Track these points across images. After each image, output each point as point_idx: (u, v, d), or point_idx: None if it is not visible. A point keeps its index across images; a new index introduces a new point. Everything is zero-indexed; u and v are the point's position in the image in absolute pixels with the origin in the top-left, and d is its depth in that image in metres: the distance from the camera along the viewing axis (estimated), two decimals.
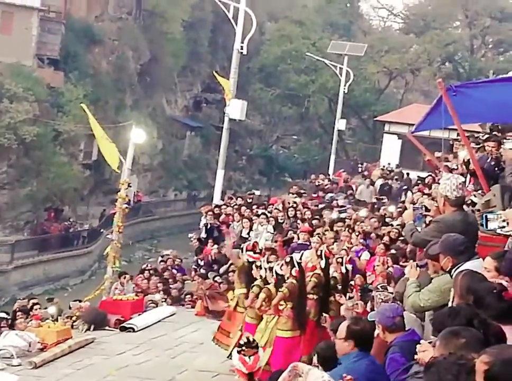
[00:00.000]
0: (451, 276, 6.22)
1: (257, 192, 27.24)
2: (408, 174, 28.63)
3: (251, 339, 6.46)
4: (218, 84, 27.93)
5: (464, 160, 13.16)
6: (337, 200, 23.11)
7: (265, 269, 11.26)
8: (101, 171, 43.82)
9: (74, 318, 14.94)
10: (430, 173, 21.73)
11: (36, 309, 15.98)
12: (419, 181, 22.49)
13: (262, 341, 10.45)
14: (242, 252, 13.13)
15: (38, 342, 12.81)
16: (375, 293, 9.36)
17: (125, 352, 13.09)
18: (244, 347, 6.29)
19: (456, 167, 15.33)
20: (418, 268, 7.08)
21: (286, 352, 10.24)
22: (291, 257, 10.93)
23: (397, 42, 62.56)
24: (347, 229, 15.14)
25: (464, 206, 7.41)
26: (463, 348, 4.13)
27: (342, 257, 12.79)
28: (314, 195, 24.94)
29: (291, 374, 3.70)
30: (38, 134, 39.05)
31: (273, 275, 10.96)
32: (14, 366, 11.82)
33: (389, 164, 34.34)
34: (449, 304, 5.68)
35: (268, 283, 10.97)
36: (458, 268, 6.15)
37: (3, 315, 15.48)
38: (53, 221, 42.60)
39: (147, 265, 20.51)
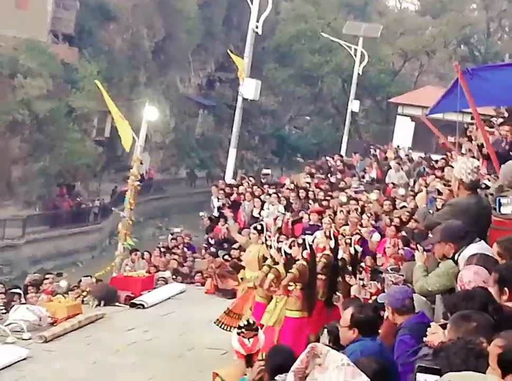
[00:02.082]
0: (455, 262, 6.22)
1: (265, 171, 27.09)
2: (426, 154, 28.42)
3: (251, 322, 6.45)
4: (232, 63, 27.81)
5: (478, 143, 13.08)
6: (344, 181, 22.92)
7: (275, 248, 11.24)
8: (114, 148, 43.83)
9: (84, 293, 15.00)
10: (443, 156, 21.60)
11: (46, 284, 16.07)
12: (431, 164, 22.36)
13: (270, 320, 10.47)
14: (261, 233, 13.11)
15: (49, 317, 12.87)
16: (385, 275, 9.35)
17: (134, 328, 13.14)
18: (243, 329, 6.28)
19: (469, 150, 15.24)
20: (425, 252, 7.05)
21: (295, 332, 10.26)
22: (303, 240, 10.92)
23: (413, 23, 62.06)
24: (357, 211, 15.10)
25: (478, 190, 7.36)
26: (473, 333, 4.11)
27: (351, 239, 12.78)
28: (325, 176, 24.84)
29: (309, 355, 3.67)
30: (52, 110, 39.12)
31: (282, 256, 10.95)
32: (25, 340, 11.90)
33: (398, 146, 34.13)
34: (457, 288, 5.67)
35: (277, 264, 10.97)
36: (461, 252, 6.16)
37: (15, 289, 15.58)
38: (65, 197, 42.75)
39: (160, 243, 20.58)
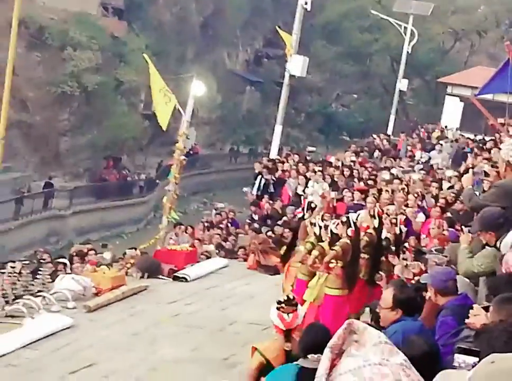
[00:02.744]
0: (498, 249, 6.15)
1: (311, 148, 26.98)
2: (475, 135, 28.10)
3: (291, 297, 6.48)
4: (280, 39, 27.65)
5: None
6: (390, 160, 22.74)
7: (320, 226, 11.23)
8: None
9: (128, 265, 15.16)
10: (491, 138, 21.31)
11: (91, 255, 16.29)
12: (479, 145, 22.07)
13: (311, 297, 10.49)
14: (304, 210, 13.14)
15: (93, 287, 13.05)
16: (429, 255, 9.30)
17: (177, 301, 13.26)
18: (283, 305, 6.31)
19: None
20: (470, 234, 6.98)
21: (334, 309, 10.26)
22: (348, 217, 10.89)
23: (464, 2, 61.00)
24: (402, 190, 15.00)
25: None
26: None
27: (396, 218, 12.71)
28: (370, 155, 24.69)
29: (345, 331, 3.67)
30: (100, 83, 39.45)
31: (327, 234, 10.94)
32: (69, 309, 12.09)
33: (446, 126, 33.74)
34: (498, 271, 5.61)
35: (322, 241, 10.96)
36: (502, 239, 6.08)
37: (62, 259, 15.81)
38: (111, 169, 43.21)
39: (204, 218, 20.68)
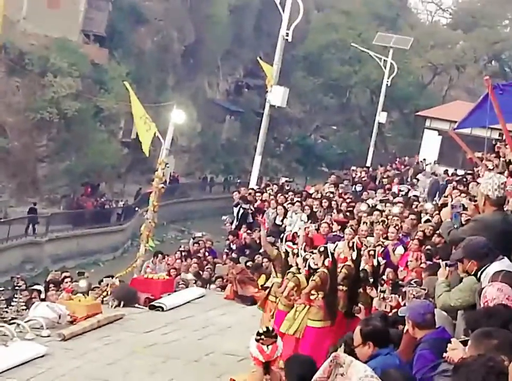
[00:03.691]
0: (478, 279, 6.18)
1: (285, 179, 27.07)
2: (456, 170, 28.37)
3: (270, 329, 6.46)
4: (261, 70, 27.82)
5: (506, 159, 12.99)
6: (367, 192, 22.87)
7: (302, 257, 11.25)
8: (140, 149, 43.93)
9: (104, 293, 15.05)
10: (469, 171, 21.50)
11: (67, 282, 16.15)
12: (457, 179, 22.24)
13: (291, 329, 10.45)
14: (281, 241, 13.15)
15: (68, 315, 12.92)
16: (407, 288, 9.29)
17: (153, 330, 13.16)
18: (262, 336, 6.28)
19: (496, 166, 15.13)
20: (447, 268, 7.01)
21: (316, 342, 10.23)
22: (325, 248, 10.90)
23: (444, 37, 61.88)
24: (382, 223, 15.03)
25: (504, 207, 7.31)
26: (494, 350, 4.08)
27: (375, 250, 12.72)
28: (349, 187, 24.83)
29: (331, 364, 3.66)
30: (80, 110, 39.42)
31: (305, 267, 10.96)
32: (43, 337, 11.96)
33: (424, 159, 34.02)
34: (477, 305, 5.63)
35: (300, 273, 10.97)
36: (484, 269, 6.11)
37: (37, 286, 15.66)
38: (89, 196, 43.02)
39: (181, 247, 20.64)
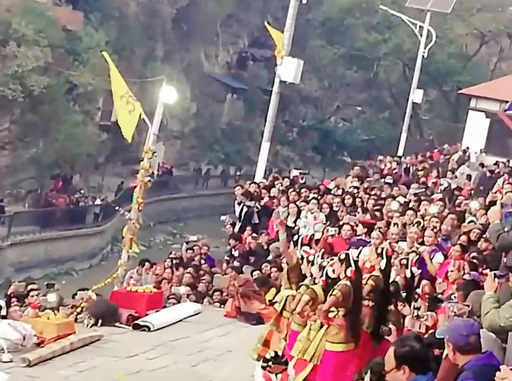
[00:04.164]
0: None
1: (296, 172, 26.99)
2: (509, 161, 28.32)
3: (279, 354, 6.45)
4: (269, 38, 27.83)
5: None
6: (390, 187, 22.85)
7: (318, 265, 11.25)
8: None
9: (79, 310, 15.08)
10: None
11: (33, 296, 16.17)
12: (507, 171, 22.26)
13: (306, 354, 10.43)
14: (294, 246, 13.17)
15: (35, 335, 12.95)
16: (447, 304, 9.30)
17: (138, 354, 13.18)
18: (270, 363, 6.28)
19: None
20: (496, 279, 7.00)
21: (337, 369, 10.22)
22: (347, 254, 10.89)
23: None
24: (416, 224, 15.03)
25: None
26: None
27: (407, 258, 12.73)
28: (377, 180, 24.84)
29: None
30: (49, 86, 39.44)
31: (322, 276, 10.95)
32: (4, 362, 11.98)
33: (467, 148, 33.97)
34: None
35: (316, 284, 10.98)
36: None
37: None
38: (60, 192, 43.08)
39: (172, 253, 20.66)
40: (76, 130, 41.83)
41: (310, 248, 12.66)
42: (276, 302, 13.13)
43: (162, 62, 49.96)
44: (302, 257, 12.10)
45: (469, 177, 25.00)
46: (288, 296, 12.03)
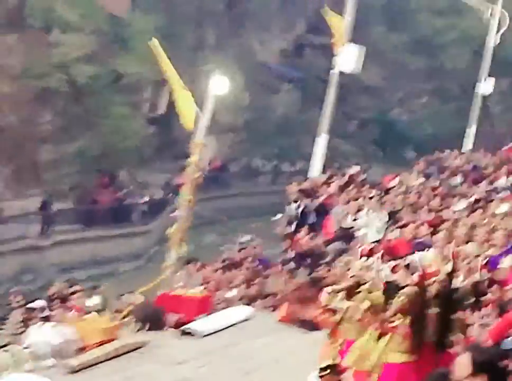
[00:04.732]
0: None
1: (356, 169, 26.79)
2: None
3: (335, 363, 6.44)
4: (328, 24, 27.73)
5: None
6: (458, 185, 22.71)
7: (377, 271, 11.21)
8: (170, 128, 44.24)
9: (124, 313, 15.19)
10: None
11: (76, 299, 16.33)
12: None
13: (366, 364, 10.38)
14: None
15: (78, 340, 13.07)
16: None
17: (185, 361, 13.25)
18: (327, 372, 6.27)
19: None
20: None
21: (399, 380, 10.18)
22: (411, 259, 10.82)
23: None
24: (485, 225, 14.92)
25: None
26: None
27: (476, 261, 12.64)
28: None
29: None
30: (94, 76, 39.61)
31: (381, 281, 10.91)
32: (46, 367, 12.11)
33: None
34: None
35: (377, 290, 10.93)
36: None
37: (39, 302, 15.84)
38: (105, 188, 43.29)
39: (223, 254, 20.73)
40: (122, 123, 41.96)
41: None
42: (331, 308, 13.11)
43: (213, 49, 50.00)
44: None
45: None
46: (349, 307, 11.98)
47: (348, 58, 24.62)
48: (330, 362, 6.39)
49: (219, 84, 18.12)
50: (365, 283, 11.46)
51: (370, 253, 12.58)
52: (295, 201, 20.61)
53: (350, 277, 12.11)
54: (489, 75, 42.73)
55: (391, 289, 10.61)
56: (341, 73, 25.20)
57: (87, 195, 42.52)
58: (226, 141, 53.23)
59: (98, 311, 15.22)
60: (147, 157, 46.92)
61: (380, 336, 10.55)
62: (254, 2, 53.22)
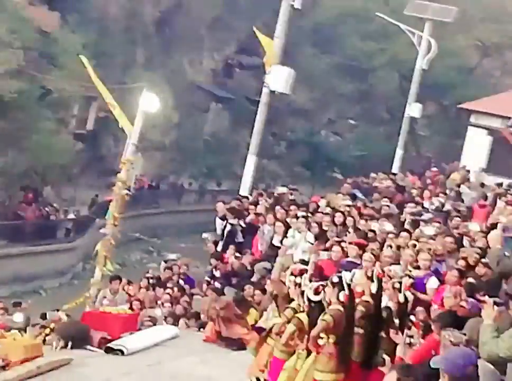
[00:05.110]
0: None
1: (281, 189, 26.91)
2: (501, 184, 28.33)
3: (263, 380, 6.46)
4: (258, 44, 27.87)
5: None
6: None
7: (300, 289, 11.26)
8: (98, 145, 44.09)
9: (47, 331, 15.02)
10: None
11: None
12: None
13: None
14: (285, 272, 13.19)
15: (0, 357, 12.89)
16: (443, 333, 9.31)
17: (109, 380, 13.13)
18: None
19: None
20: (495, 307, 7.01)
21: None
22: (340, 278, 10.88)
23: (499, 9, 62.03)
24: (411, 247, 15.06)
25: None
26: None
27: (401, 282, 12.74)
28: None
29: None
30: (21, 91, 39.26)
31: (304, 302, 10.97)
32: None
33: (464, 166, 34.01)
34: None
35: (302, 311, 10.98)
36: None
37: None
38: (29, 204, 42.88)
39: (149, 272, 20.65)
40: (49, 139, 41.65)
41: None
42: (259, 327, 13.13)
43: (143, 68, 49.97)
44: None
45: (467, 197, 25.05)
46: (274, 325, 12.02)
47: (278, 79, 24.71)
48: (255, 380, 6.39)
49: (149, 102, 18.08)
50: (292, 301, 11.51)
51: (301, 273, 12.64)
52: (223, 220, 20.62)
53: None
54: (417, 100, 43.29)
55: (315, 309, 10.66)
56: (271, 93, 25.29)
57: (11, 211, 42.08)
58: (154, 159, 53.16)
59: (21, 328, 15.03)
60: (73, 173, 46.64)
61: (307, 356, 10.58)
62: (185, 22, 53.26)
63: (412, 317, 12.50)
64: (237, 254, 19.55)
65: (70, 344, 14.78)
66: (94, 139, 44.23)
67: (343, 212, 19.82)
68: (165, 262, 23.59)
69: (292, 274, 12.26)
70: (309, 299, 10.82)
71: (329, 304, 10.56)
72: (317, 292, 10.86)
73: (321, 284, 10.91)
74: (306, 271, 13.01)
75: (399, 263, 14.40)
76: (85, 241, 41.00)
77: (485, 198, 24.38)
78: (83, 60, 19.87)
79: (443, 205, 23.52)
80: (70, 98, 42.92)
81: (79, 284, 31.58)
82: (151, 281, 19.99)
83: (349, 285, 10.84)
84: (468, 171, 31.38)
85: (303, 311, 11.02)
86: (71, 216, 44.85)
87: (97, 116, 44.82)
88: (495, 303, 7.06)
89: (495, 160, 36.51)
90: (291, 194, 24.74)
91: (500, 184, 27.68)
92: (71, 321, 15.99)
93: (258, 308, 16.11)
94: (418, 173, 32.59)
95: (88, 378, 13.20)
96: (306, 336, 10.62)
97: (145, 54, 52.30)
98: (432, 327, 10.55)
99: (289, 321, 10.86)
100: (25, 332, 14.70)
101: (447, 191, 25.91)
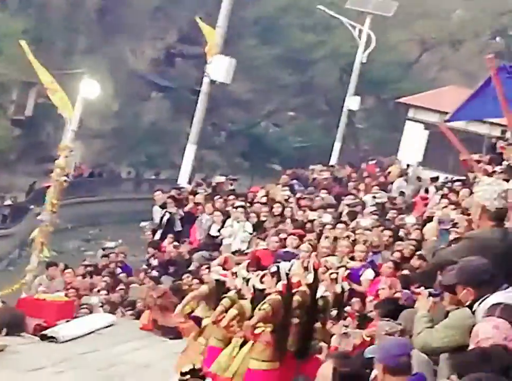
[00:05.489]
0: (472, 312, 6.21)
1: (219, 178, 26.86)
2: (437, 178, 28.59)
3: (197, 367, 6.43)
4: (200, 34, 27.78)
5: (510, 163, 13.21)
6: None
7: (243, 279, 11.25)
8: (36, 131, 43.61)
9: None
10: (461, 178, 21.80)
11: None
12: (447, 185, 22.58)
13: (228, 371, 10.42)
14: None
15: None
16: (380, 323, 9.35)
17: (44, 368, 13.00)
18: (187, 376, 6.25)
19: (497, 172, 15.37)
20: (430, 298, 7.05)
21: None
22: (278, 267, 10.90)
23: (438, 4, 62.53)
24: (349, 238, 15.15)
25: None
26: None
27: (337, 273, 12.81)
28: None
29: None
30: None
31: (250, 290, 10.96)
32: None
33: (397, 159, 34.26)
34: (471, 345, 5.66)
35: (244, 298, 10.97)
36: (482, 301, 6.14)
37: None
38: None
39: (86, 260, 20.51)
40: None
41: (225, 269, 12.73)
42: (196, 316, 13.11)
43: (83, 55, 49.53)
44: (218, 280, 12.13)
45: (402, 193, 25.22)
46: (207, 325, 12.00)
47: (219, 69, 24.68)
48: (191, 366, 6.35)
49: (89, 88, 17.92)
50: (227, 291, 11.50)
51: (225, 264, 12.70)
52: (162, 208, 20.56)
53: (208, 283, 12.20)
54: (356, 93, 43.51)
55: (259, 298, 10.67)
56: (212, 82, 25.24)
57: None
58: (93, 146, 52.80)
59: None
60: (11, 160, 46.15)
61: (243, 344, 10.59)
62: (126, 10, 52.90)
63: (347, 308, 12.59)
64: (175, 243, 19.53)
65: (4, 330, 14.63)
66: (32, 125, 43.75)
67: (281, 203, 19.89)
68: (103, 249, 23.49)
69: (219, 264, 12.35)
70: (254, 287, 10.83)
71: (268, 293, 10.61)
72: (262, 280, 10.90)
73: (270, 272, 10.95)
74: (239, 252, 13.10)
75: (335, 255, 14.48)
76: (22, 227, 40.61)
77: (426, 191, 24.64)
78: (22, 45, 19.63)
79: (379, 198, 23.67)
80: (9, 83, 42.42)
81: (14, 271, 31.25)
82: (87, 268, 19.86)
83: (287, 275, 10.87)
84: (408, 166, 31.64)
85: (244, 298, 11.03)
86: (8, 202, 44.42)
87: (36, 102, 44.41)
88: (430, 294, 7.10)
89: (431, 154, 36.83)
90: (231, 184, 24.73)
91: (435, 178, 27.91)
92: (6, 307, 15.83)
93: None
94: (356, 166, 32.74)
95: (21, 365, 13.07)
96: (245, 323, 10.64)
97: (87, 41, 51.88)
98: (374, 315, 10.59)
99: (226, 311, 10.86)
100: None
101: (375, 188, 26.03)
